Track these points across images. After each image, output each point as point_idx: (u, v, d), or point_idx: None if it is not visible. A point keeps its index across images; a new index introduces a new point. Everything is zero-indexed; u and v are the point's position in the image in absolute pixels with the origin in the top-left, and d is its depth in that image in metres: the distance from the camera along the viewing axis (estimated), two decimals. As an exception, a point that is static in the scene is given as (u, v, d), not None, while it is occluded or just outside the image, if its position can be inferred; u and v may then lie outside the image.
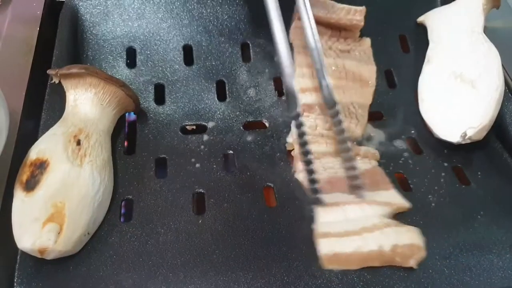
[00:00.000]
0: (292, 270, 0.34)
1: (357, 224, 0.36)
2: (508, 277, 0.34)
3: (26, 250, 0.32)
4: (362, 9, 0.47)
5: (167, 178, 0.40)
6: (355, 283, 0.33)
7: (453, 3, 0.50)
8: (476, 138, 0.42)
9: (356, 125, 0.44)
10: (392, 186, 0.40)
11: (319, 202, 0.38)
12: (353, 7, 0.47)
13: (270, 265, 0.34)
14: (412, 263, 0.34)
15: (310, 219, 0.37)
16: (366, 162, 0.42)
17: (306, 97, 0.45)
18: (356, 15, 0.47)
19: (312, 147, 0.41)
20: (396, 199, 0.39)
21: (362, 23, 0.47)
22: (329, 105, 0.42)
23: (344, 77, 0.47)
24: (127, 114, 0.45)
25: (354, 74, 0.47)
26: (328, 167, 0.42)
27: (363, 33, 0.49)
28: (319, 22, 0.46)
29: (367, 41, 0.49)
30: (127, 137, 0.43)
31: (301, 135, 0.40)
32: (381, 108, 0.47)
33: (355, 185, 0.39)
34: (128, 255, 0.34)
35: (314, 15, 0.45)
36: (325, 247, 0.35)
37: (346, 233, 0.35)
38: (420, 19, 0.52)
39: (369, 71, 0.48)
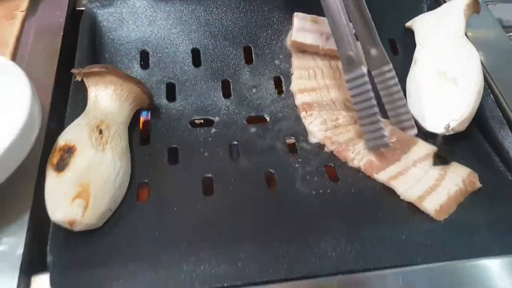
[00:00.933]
0: (291, 243, 0.38)
1: (429, 179, 0.43)
2: (482, 250, 0.38)
3: (58, 222, 0.36)
4: None
5: (178, 164, 0.44)
6: (347, 252, 0.37)
7: (437, 9, 0.55)
8: (459, 130, 0.46)
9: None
10: (417, 138, 0.46)
11: (386, 144, 0.43)
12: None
13: (273, 239, 0.38)
14: (478, 184, 0.43)
15: (307, 200, 0.42)
16: (387, 129, 0.47)
17: (304, 97, 0.50)
18: None
19: (340, 138, 0.46)
20: (428, 148, 0.46)
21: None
22: (380, 64, 0.47)
23: (338, 76, 0.52)
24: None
25: (347, 73, 0.52)
26: (365, 148, 0.46)
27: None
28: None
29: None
30: (142, 129, 0.48)
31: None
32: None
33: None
34: (145, 229, 0.38)
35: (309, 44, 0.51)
36: (431, 206, 0.40)
37: (431, 189, 0.42)
38: (408, 24, 0.57)
39: (361, 70, 0.53)
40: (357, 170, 0.44)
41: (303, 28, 0.52)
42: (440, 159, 0.44)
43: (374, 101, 0.44)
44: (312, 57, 0.53)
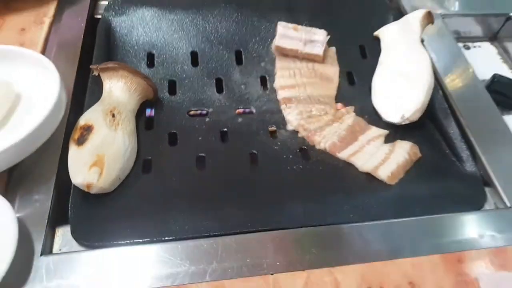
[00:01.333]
0: (267, 204, 0.47)
1: (381, 154, 0.52)
2: (424, 211, 0.47)
3: (78, 185, 0.45)
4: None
5: (177, 146, 0.53)
6: (312, 212, 0.46)
7: (398, 20, 0.64)
8: (412, 119, 0.55)
9: (330, 108, 0.58)
10: (370, 126, 0.56)
11: None
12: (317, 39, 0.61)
13: (252, 201, 0.47)
14: (419, 154, 0.53)
15: (282, 174, 0.50)
16: (350, 116, 0.57)
17: (285, 92, 0.59)
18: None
19: (311, 126, 0.55)
20: (379, 132, 0.55)
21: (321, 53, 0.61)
22: None
23: (313, 76, 0.61)
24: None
25: (322, 74, 0.61)
26: (330, 133, 0.55)
27: (332, 43, 0.63)
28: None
29: (333, 49, 0.63)
30: (148, 118, 0.57)
31: None
32: (342, 99, 0.60)
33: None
34: (148, 194, 0.47)
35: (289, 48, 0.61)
36: (384, 173, 0.50)
37: (383, 160, 0.51)
38: (376, 33, 0.66)
39: (334, 72, 0.62)
40: (325, 152, 0.53)
41: (285, 35, 0.61)
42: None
43: None
44: (293, 60, 0.62)
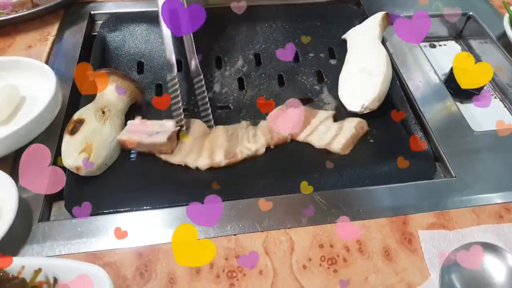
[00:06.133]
0: (236, 180, 0.53)
1: (331, 131, 0.58)
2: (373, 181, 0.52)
3: (68, 167, 0.52)
4: None
5: (160, 137, 0.60)
6: (272, 186, 0.51)
7: (362, 23, 0.71)
8: (372, 107, 0.60)
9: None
10: (317, 110, 0.63)
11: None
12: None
13: (222, 179, 0.53)
14: (366, 127, 0.59)
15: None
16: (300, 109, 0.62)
17: None
18: None
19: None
20: (327, 113, 0.62)
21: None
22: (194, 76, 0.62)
23: None
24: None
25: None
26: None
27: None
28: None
29: None
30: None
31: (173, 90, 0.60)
32: (312, 95, 0.66)
33: None
34: (129, 176, 0.54)
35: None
36: (336, 147, 0.56)
37: (335, 136, 0.58)
38: (343, 36, 0.73)
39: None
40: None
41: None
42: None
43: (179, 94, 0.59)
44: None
